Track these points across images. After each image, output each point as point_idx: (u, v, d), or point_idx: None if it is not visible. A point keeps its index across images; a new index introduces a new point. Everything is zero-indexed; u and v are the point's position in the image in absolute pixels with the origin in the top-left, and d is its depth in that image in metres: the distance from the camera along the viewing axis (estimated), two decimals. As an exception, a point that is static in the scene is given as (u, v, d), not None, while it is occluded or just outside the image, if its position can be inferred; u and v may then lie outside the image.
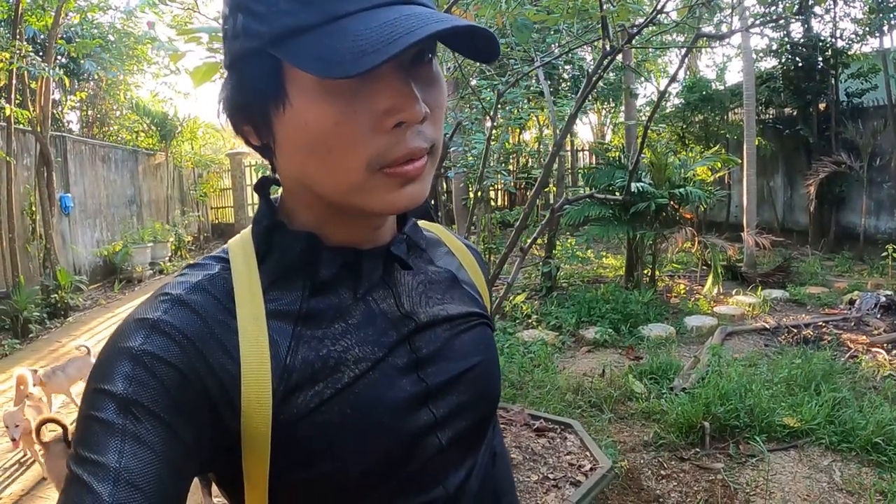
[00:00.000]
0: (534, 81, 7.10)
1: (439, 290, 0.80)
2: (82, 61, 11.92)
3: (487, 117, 6.00)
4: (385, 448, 0.67)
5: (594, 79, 2.24)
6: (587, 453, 2.94)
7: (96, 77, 12.66)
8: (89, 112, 14.23)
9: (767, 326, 6.25)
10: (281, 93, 0.60)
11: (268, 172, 0.74)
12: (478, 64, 6.60)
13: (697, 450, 3.75)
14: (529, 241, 2.12)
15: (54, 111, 12.36)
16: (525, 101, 7.70)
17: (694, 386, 4.46)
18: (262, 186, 0.74)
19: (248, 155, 14.25)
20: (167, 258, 12.70)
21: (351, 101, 0.59)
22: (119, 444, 0.55)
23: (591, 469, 2.76)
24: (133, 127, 14.47)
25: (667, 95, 12.84)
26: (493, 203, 13.08)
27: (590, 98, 13.07)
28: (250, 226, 0.73)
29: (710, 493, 3.32)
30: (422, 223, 0.86)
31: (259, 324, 0.65)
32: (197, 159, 15.79)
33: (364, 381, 0.67)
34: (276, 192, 0.76)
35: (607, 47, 2.08)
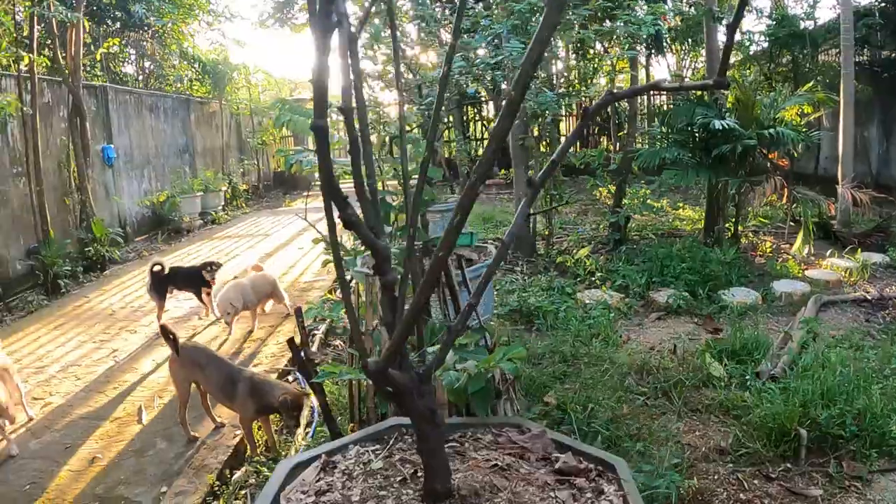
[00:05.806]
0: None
1: None
2: (132, 7, 11.58)
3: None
4: None
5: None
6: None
7: (149, 24, 12.36)
8: (146, 64, 14.00)
9: (868, 297, 5.31)
10: None
11: None
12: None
13: (789, 465, 2.95)
14: (541, 173, 1.44)
15: (110, 63, 12.14)
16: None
17: (786, 373, 3.63)
18: None
19: (308, 102, 13.70)
20: (220, 207, 12.39)
21: None
22: None
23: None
24: (185, 75, 14.17)
25: (751, 36, 11.58)
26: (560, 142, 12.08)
27: (666, 40, 12.01)
28: None
29: (806, 526, 2.55)
30: None
31: None
32: (254, 107, 15.39)
33: None
34: None
35: None
